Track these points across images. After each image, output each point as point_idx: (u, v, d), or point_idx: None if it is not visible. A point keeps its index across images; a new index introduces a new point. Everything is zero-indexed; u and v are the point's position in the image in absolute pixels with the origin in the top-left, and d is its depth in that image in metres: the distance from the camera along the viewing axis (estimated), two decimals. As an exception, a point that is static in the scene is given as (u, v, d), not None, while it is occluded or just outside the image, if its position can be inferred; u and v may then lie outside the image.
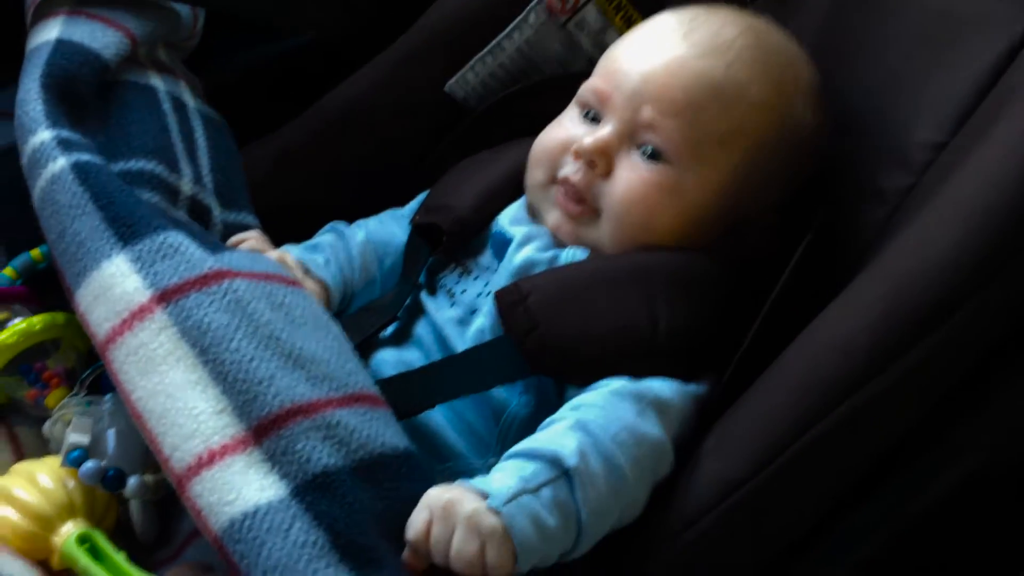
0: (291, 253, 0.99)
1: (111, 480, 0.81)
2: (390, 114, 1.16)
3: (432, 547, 0.73)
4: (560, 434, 0.79)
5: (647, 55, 0.95)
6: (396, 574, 0.71)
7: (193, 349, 0.76)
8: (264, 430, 0.73)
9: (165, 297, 0.78)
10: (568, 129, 0.98)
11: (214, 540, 0.71)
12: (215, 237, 0.91)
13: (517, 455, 0.79)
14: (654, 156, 0.93)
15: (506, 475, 0.76)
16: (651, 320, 0.87)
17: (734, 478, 0.80)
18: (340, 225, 1.07)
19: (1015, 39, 0.87)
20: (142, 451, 0.82)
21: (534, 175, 0.99)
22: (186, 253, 0.81)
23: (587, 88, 0.98)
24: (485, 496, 0.74)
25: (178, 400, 0.74)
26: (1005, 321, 0.80)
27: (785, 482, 0.79)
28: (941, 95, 0.91)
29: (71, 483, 0.82)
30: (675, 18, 0.98)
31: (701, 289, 0.91)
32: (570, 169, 0.96)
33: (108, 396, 0.86)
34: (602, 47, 1.13)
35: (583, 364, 0.86)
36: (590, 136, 0.95)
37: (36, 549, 0.80)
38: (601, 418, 0.81)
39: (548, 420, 0.83)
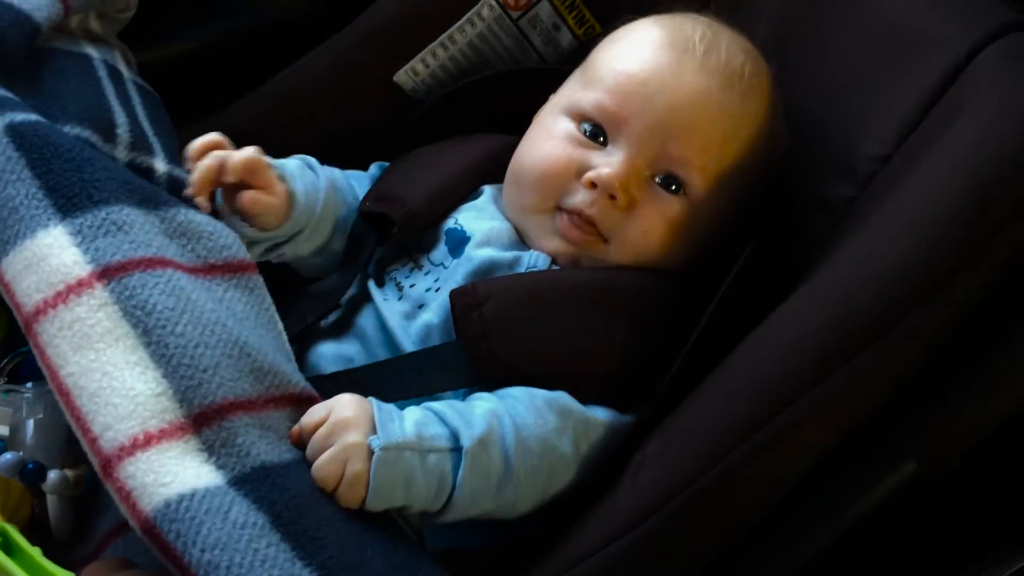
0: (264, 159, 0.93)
1: (31, 473, 0.79)
2: (340, 100, 1.13)
3: (308, 445, 0.76)
4: (477, 414, 0.80)
5: (667, 82, 0.91)
6: (340, 554, 0.70)
7: (135, 329, 0.74)
8: (204, 419, 0.72)
9: (107, 274, 0.75)
10: (568, 149, 0.93)
11: (144, 522, 0.68)
12: (163, 192, 0.86)
13: (435, 411, 0.80)
14: (677, 190, 0.92)
15: (410, 423, 0.78)
16: (605, 349, 0.87)
17: (677, 480, 0.80)
18: (308, 158, 1.01)
19: (960, 58, 0.87)
20: (60, 444, 0.81)
21: (528, 198, 0.94)
22: (130, 233, 0.78)
23: (591, 104, 0.93)
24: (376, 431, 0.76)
25: (115, 379, 0.72)
26: (949, 329, 0.80)
27: (728, 485, 0.79)
28: (887, 109, 0.91)
29: (-19, 473, 0.79)
30: (678, 34, 0.93)
31: (660, 317, 0.90)
32: (582, 199, 0.91)
33: (28, 385, 0.84)
34: (554, 45, 1.13)
35: (528, 380, 0.85)
36: (609, 167, 0.90)
37: (-55, 541, 0.77)
38: (521, 419, 0.81)
39: (481, 394, 0.83)
